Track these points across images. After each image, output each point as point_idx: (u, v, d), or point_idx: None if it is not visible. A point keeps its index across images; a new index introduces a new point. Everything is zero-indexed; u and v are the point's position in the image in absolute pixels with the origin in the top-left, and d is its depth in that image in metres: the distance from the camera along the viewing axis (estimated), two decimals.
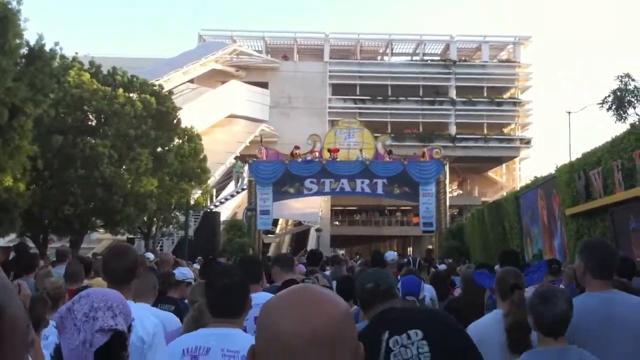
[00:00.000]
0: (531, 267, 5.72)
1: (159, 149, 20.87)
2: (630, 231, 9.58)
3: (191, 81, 49.02)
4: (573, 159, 13.65)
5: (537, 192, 16.06)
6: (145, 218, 22.08)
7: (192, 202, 23.59)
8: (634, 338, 3.01)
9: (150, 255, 16.10)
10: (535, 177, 17.31)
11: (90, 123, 18.69)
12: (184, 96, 46.16)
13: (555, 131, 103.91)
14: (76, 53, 20.12)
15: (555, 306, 2.79)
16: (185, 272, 6.06)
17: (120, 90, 19.23)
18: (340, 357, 1.05)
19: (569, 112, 40.35)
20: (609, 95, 19.06)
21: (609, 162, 10.48)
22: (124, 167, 18.88)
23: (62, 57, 18.56)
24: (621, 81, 18.64)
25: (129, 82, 20.39)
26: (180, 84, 47.06)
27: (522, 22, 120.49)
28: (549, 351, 2.79)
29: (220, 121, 47.10)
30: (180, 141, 23.08)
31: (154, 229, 22.82)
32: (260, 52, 55.27)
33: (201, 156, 23.63)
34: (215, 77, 51.10)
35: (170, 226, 24.06)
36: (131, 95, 19.26)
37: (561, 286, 5.16)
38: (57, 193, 17.43)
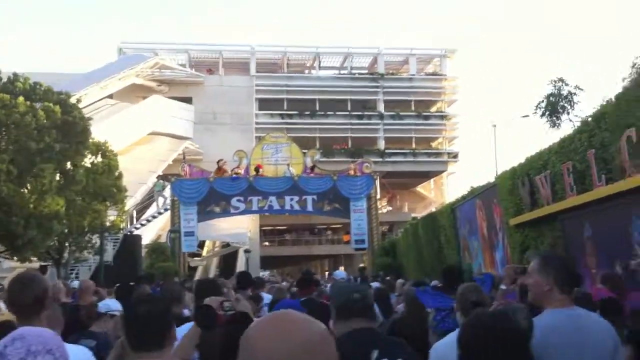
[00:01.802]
0: (476, 282, 5.70)
1: (68, 165, 18.78)
2: (585, 240, 8.63)
3: (110, 96, 46.70)
4: (508, 168, 12.75)
5: (475, 203, 15.15)
6: (55, 242, 19.91)
7: (107, 224, 21.48)
8: (608, 355, 2.94)
9: (76, 283, 14.26)
10: (472, 187, 16.44)
11: None
12: (102, 112, 43.88)
13: (481, 145, 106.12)
14: None
15: None
16: (110, 303, 5.65)
17: (21, 99, 17.06)
18: None
19: (494, 125, 40.72)
20: (543, 101, 18.53)
21: (557, 165, 9.56)
22: (27, 185, 16.70)
23: None
24: (554, 86, 18.15)
25: (31, 90, 18.27)
26: (99, 100, 44.75)
27: (448, 35, 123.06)
28: None
29: (141, 139, 44.89)
30: (93, 157, 21.06)
31: (65, 254, 20.58)
32: (183, 66, 53.41)
33: (116, 173, 21.56)
34: (136, 92, 48.87)
35: (85, 251, 21.87)
36: (34, 104, 17.10)
37: (511, 297, 5.02)
38: None
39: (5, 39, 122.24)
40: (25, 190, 16.41)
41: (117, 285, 13.45)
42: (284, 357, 1.04)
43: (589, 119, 8.68)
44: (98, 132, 25.75)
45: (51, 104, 17.40)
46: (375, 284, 12.84)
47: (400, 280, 12.26)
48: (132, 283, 12.53)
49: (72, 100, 35.70)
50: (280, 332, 1.09)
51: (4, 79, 18.18)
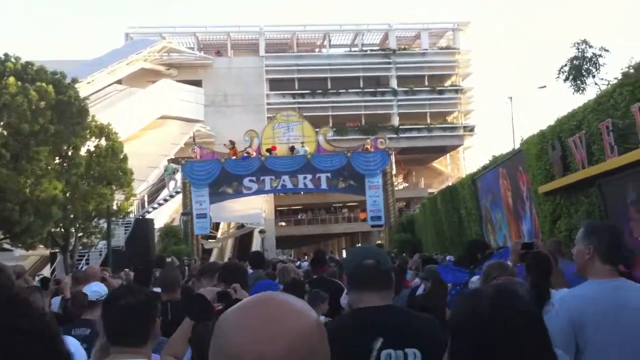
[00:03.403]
0: (494, 257, 5.36)
1: (67, 148, 18.05)
2: (629, 205, 7.78)
3: (119, 82, 46.18)
4: (535, 132, 11.82)
5: (499, 172, 14.29)
6: (60, 228, 19.31)
7: (114, 207, 20.88)
8: None
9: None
10: (494, 156, 15.56)
11: None
12: (111, 98, 43.43)
13: (497, 118, 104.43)
14: None
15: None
16: (98, 288, 5.19)
17: (12, 79, 16.28)
18: None
19: (510, 98, 39.69)
20: (566, 65, 17.51)
21: (594, 124, 8.67)
22: (23, 169, 15.90)
23: None
24: (578, 49, 17.11)
25: (22, 70, 17.51)
26: (107, 86, 44.27)
27: (460, 7, 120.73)
28: None
29: (152, 123, 44.51)
30: (96, 140, 20.35)
31: (72, 240, 20.00)
32: (192, 48, 52.70)
33: (121, 156, 20.87)
34: (145, 77, 48.33)
35: (93, 237, 21.30)
36: (26, 85, 16.34)
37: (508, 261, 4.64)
38: None
39: (8, 25, 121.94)
40: (19, 175, 15.62)
41: (127, 270, 12.95)
42: (260, 356, 0.83)
43: (631, 69, 7.77)
44: (108, 117, 25.17)
45: (44, 84, 16.63)
46: None
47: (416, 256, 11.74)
48: (141, 267, 12.00)
49: (81, 84, 35.76)
50: (261, 324, 0.87)
51: None
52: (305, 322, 0.91)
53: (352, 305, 2.57)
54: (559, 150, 9.97)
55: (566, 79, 17.79)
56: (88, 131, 19.35)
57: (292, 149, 29.38)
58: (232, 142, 29.66)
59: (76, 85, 25.06)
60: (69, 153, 18.52)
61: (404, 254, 16.13)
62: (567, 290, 3.44)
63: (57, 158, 18.25)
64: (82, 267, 19.00)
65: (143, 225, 28.57)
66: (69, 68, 38.76)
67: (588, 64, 17.05)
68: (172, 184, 33.34)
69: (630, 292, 2.71)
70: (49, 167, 16.63)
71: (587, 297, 2.68)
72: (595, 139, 8.59)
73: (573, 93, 17.48)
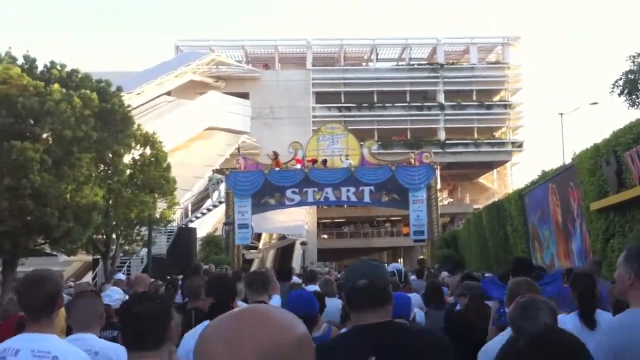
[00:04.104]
0: (545, 279, 5.25)
1: (110, 155, 18.20)
2: None
3: (168, 93, 46.98)
4: (588, 146, 11.29)
5: (548, 188, 13.74)
6: (102, 235, 19.50)
7: (157, 216, 20.99)
8: None
9: (121, 276, 13.90)
10: (543, 171, 15.01)
11: (22, 124, 15.88)
12: (160, 109, 44.18)
13: (546, 134, 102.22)
14: (9, 48, 17.55)
15: (535, 319, 2.72)
16: (119, 296, 5.56)
17: (56, 86, 16.42)
18: None
19: (561, 114, 38.70)
20: (620, 78, 16.84)
21: None
22: (65, 175, 16.06)
23: None
24: (633, 62, 16.43)
25: (67, 78, 17.77)
26: (157, 97, 45.08)
27: (510, 22, 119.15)
28: None
29: (199, 134, 45.07)
30: (141, 148, 20.51)
31: (113, 247, 20.17)
32: (240, 61, 53.28)
33: (164, 164, 20.96)
34: (194, 89, 49.10)
35: (134, 244, 21.46)
36: (70, 92, 16.50)
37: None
38: None
39: (62, 39, 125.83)
40: (59, 181, 15.75)
41: (168, 278, 12.98)
42: None
43: None
44: (156, 128, 25.53)
45: (88, 91, 16.81)
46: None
47: (445, 273, 11.96)
48: (180, 276, 12.00)
49: (131, 95, 36.39)
50: (240, 334, 0.88)
51: (41, 67, 17.77)
52: (284, 336, 0.90)
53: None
54: (614, 165, 9.47)
55: (621, 92, 17.13)
56: (133, 140, 19.50)
57: (324, 162, 29.17)
58: (275, 153, 29.67)
59: (126, 96, 25.50)
60: (112, 160, 18.69)
61: (434, 269, 15.66)
62: (610, 317, 3.47)
63: (99, 165, 18.40)
64: (116, 275, 19.16)
65: (185, 234, 28.80)
66: (119, 79, 39.65)
67: None
68: (215, 194, 33.54)
69: None
70: (91, 174, 16.72)
71: (629, 326, 2.60)
72: None
73: (628, 108, 16.82)
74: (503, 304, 4.62)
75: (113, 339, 4.19)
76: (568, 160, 13.73)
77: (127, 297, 6.31)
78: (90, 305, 3.53)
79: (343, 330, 3.87)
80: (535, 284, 4.30)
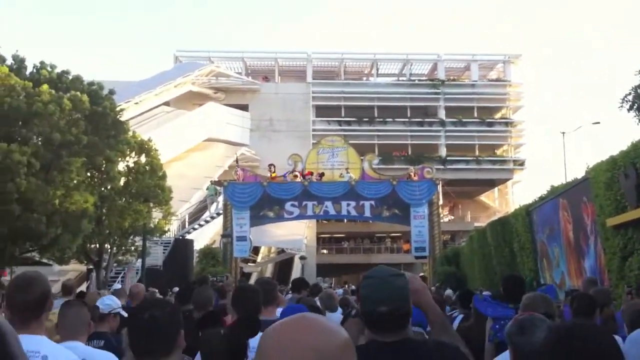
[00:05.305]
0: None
1: (101, 161, 17.61)
2: None
3: (167, 104, 46.64)
4: (605, 158, 10.77)
5: (558, 203, 13.23)
6: (96, 244, 18.90)
7: (151, 225, 20.40)
8: None
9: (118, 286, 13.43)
10: (552, 186, 14.52)
11: (9, 126, 15.28)
12: (158, 119, 43.81)
13: (548, 152, 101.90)
14: None
15: (532, 336, 2.72)
16: (110, 302, 5.45)
17: (45, 87, 15.82)
18: None
19: (563, 133, 38.32)
20: (630, 93, 16.42)
21: None
22: (53, 180, 15.45)
23: None
24: None
25: (57, 79, 17.22)
26: (155, 107, 44.74)
27: (511, 39, 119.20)
28: None
29: (197, 145, 44.67)
30: (136, 155, 19.94)
31: (105, 257, 19.54)
32: (239, 73, 52.98)
33: (160, 173, 20.38)
34: (193, 100, 48.78)
35: (128, 254, 20.85)
36: (60, 93, 15.92)
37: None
38: None
39: (59, 48, 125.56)
40: (47, 186, 15.13)
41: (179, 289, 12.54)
42: None
43: None
44: (154, 138, 25.07)
45: (79, 93, 16.27)
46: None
47: (449, 291, 11.94)
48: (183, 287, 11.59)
49: (129, 104, 35.92)
50: (292, 338, 1.03)
51: (30, 68, 17.23)
52: (334, 340, 1.03)
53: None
54: (634, 179, 8.98)
55: (630, 108, 16.70)
56: (127, 146, 18.94)
57: (321, 174, 28.71)
58: (271, 166, 29.29)
59: (124, 105, 24.94)
60: (104, 167, 18.15)
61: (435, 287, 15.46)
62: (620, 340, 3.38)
63: (91, 171, 17.82)
64: (112, 287, 18.61)
65: (182, 246, 28.31)
66: (117, 88, 39.36)
67: None
68: (213, 205, 33.02)
69: None
70: (82, 180, 16.13)
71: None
72: None
73: (638, 123, 16.38)
74: (497, 320, 4.78)
75: (100, 349, 4.15)
76: (571, 179, 13.27)
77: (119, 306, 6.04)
78: (77, 314, 3.56)
79: None
80: (550, 299, 4.33)
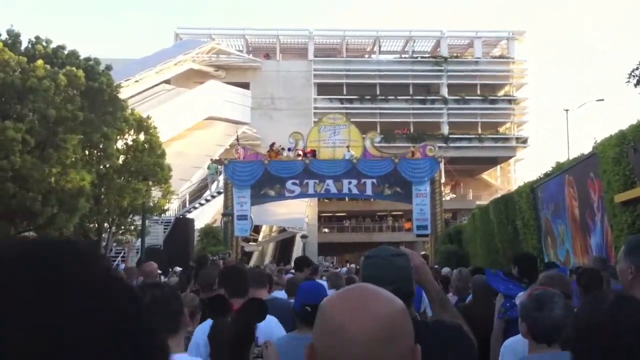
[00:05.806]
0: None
1: (98, 138, 17.30)
2: None
3: (167, 82, 46.21)
4: (613, 132, 10.49)
5: (564, 179, 12.98)
6: (94, 223, 18.69)
7: (151, 204, 20.16)
8: None
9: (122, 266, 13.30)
10: (557, 162, 14.25)
11: (4, 103, 14.98)
12: (159, 97, 43.45)
13: (551, 130, 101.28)
14: None
15: (552, 312, 2.70)
16: None
17: (40, 62, 15.45)
18: (400, 355, 1.07)
19: (567, 110, 37.92)
20: (637, 68, 16.00)
21: None
22: (49, 157, 15.12)
23: None
24: None
25: (53, 54, 16.87)
26: (155, 85, 44.34)
27: (515, 16, 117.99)
28: (541, 357, 2.67)
29: (198, 123, 44.34)
30: (134, 133, 19.64)
31: (105, 236, 19.36)
32: (240, 51, 52.46)
33: (159, 151, 20.09)
34: (193, 78, 48.31)
35: (128, 233, 20.65)
36: (55, 69, 15.56)
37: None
38: None
39: (58, 25, 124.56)
40: (42, 163, 14.84)
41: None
42: (363, 332, 1.03)
43: None
44: (155, 116, 24.75)
45: (74, 69, 15.92)
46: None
47: (447, 269, 11.77)
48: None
49: (129, 82, 35.55)
50: (360, 305, 1.08)
51: (25, 43, 16.86)
52: (395, 307, 1.10)
53: None
54: None
55: (638, 83, 16.28)
56: (125, 124, 18.62)
57: (313, 153, 28.35)
58: (272, 145, 29.02)
59: (124, 83, 24.51)
60: (102, 144, 17.85)
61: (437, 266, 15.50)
62: None
63: (88, 148, 17.55)
64: (117, 265, 18.44)
65: (183, 225, 28.09)
66: (116, 66, 39.00)
67: None
68: (214, 184, 32.79)
69: None
70: (78, 157, 15.87)
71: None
72: None
73: None
74: (508, 298, 4.78)
75: None
76: (573, 157, 13.01)
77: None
78: None
79: None
80: (568, 279, 4.30)
